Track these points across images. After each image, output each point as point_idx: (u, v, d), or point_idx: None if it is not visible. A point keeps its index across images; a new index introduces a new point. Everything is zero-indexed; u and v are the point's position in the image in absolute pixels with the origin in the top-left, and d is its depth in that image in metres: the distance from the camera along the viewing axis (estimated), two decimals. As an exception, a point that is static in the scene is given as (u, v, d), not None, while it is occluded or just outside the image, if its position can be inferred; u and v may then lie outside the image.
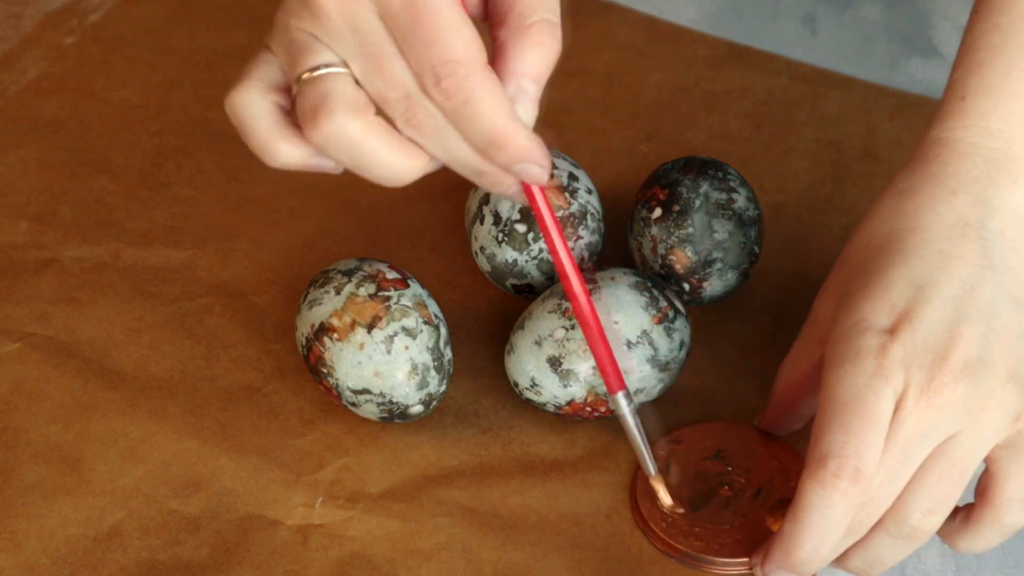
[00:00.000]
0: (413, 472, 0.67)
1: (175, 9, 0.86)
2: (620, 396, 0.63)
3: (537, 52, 0.56)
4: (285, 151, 0.57)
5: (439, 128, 0.56)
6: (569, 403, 0.66)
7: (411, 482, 0.67)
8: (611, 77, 0.82)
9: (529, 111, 0.57)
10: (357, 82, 0.56)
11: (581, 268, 0.70)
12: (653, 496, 0.65)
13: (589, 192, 0.71)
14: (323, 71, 0.56)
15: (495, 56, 0.56)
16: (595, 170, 0.76)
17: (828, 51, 0.84)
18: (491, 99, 0.55)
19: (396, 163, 0.56)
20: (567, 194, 0.70)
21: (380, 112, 0.56)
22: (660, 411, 0.69)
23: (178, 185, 0.78)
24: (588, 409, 0.67)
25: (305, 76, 0.56)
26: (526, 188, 0.59)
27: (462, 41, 0.54)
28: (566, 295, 0.62)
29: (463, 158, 0.57)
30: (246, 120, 0.58)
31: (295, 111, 0.56)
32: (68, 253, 0.75)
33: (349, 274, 0.66)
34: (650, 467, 0.64)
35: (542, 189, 0.59)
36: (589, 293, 0.62)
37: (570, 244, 0.70)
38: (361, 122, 0.55)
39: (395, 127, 0.56)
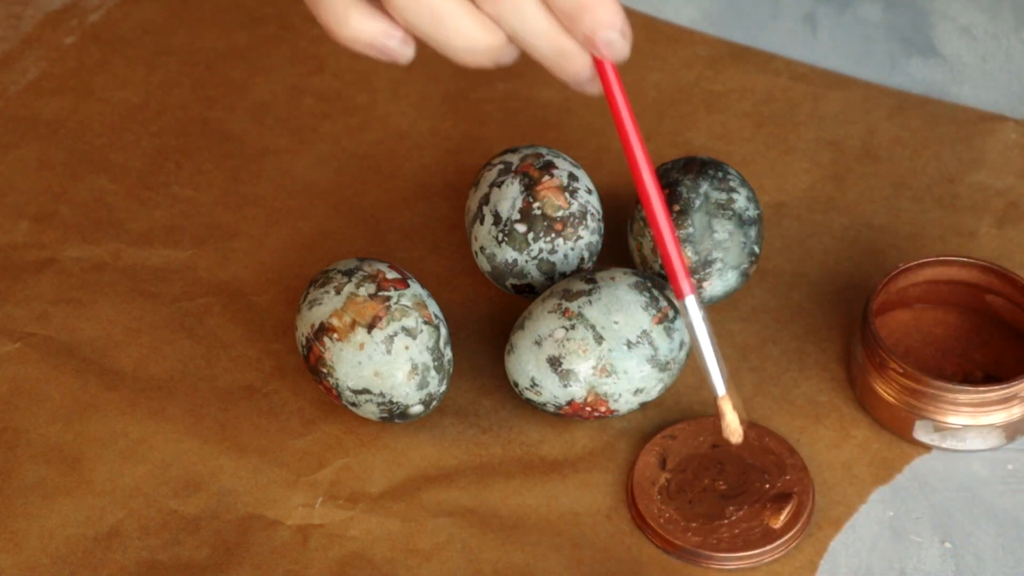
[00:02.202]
0: (413, 472, 0.67)
1: (175, 9, 0.86)
2: (691, 300, 0.61)
3: None
4: (358, 21, 0.57)
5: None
6: (569, 403, 0.66)
7: (411, 482, 0.67)
8: (611, 77, 0.82)
9: None
10: None
11: (582, 265, 0.70)
12: (719, 418, 0.62)
13: (589, 192, 0.71)
14: None
15: None
16: (595, 170, 0.76)
17: (828, 51, 0.83)
18: None
19: (475, 34, 0.56)
20: (567, 194, 0.70)
21: None
22: (660, 411, 0.69)
23: (178, 185, 0.78)
24: (588, 409, 0.67)
25: None
26: (601, 72, 0.58)
27: None
28: (636, 188, 0.61)
29: (541, 33, 0.57)
30: None
31: None
32: (68, 253, 0.75)
33: (349, 274, 0.66)
34: (719, 384, 0.62)
35: (616, 72, 0.58)
36: (661, 189, 0.61)
37: (570, 244, 0.70)
38: None
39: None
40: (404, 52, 0.58)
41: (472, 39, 0.57)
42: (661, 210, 0.61)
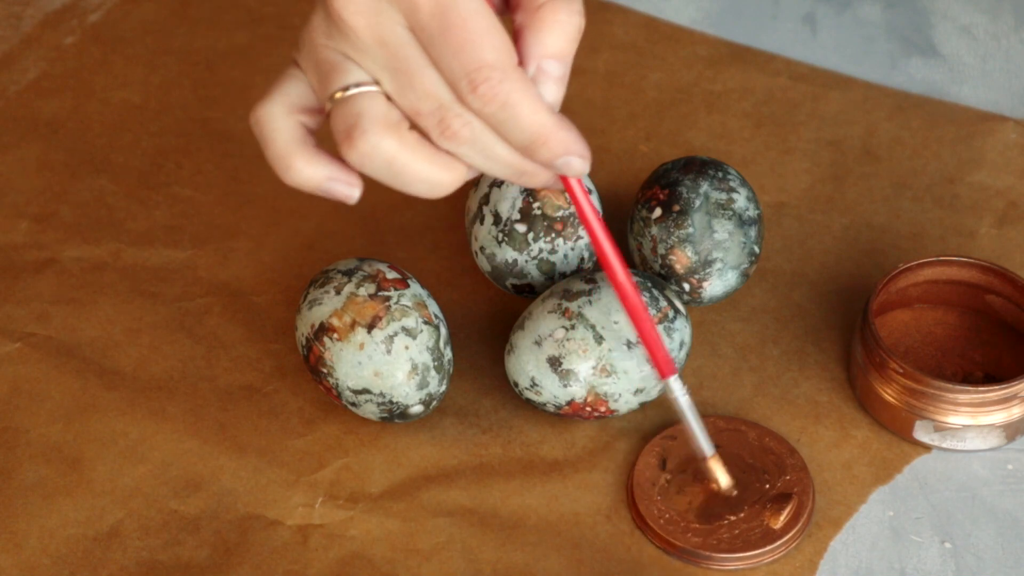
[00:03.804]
0: (413, 472, 0.67)
1: (175, 9, 0.86)
2: (675, 380, 0.63)
3: (553, 31, 0.56)
4: (301, 168, 0.57)
5: (475, 136, 0.56)
6: (569, 403, 0.66)
7: (411, 482, 0.67)
8: (611, 77, 0.82)
9: (552, 91, 0.57)
10: (389, 98, 0.56)
11: (582, 265, 0.70)
12: (707, 478, 0.65)
13: (589, 192, 0.71)
14: (354, 90, 0.56)
15: (515, 43, 0.56)
16: (595, 170, 0.76)
17: (828, 51, 0.84)
18: (528, 99, 0.55)
19: (435, 176, 0.56)
20: (567, 194, 0.70)
21: (414, 126, 0.56)
22: (660, 411, 0.69)
23: (178, 185, 0.78)
24: (588, 409, 0.67)
25: (337, 96, 0.56)
26: (563, 179, 0.59)
27: (493, 45, 0.54)
28: (611, 283, 0.62)
29: (502, 161, 0.57)
30: (267, 134, 0.58)
31: (331, 130, 0.56)
32: (68, 253, 0.75)
33: (349, 274, 0.66)
34: (708, 446, 0.64)
35: (579, 180, 0.59)
36: (633, 279, 0.62)
37: (570, 244, 0.70)
38: (396, 139, 0.55)
39: (430, 140, 0.56)
40: (351, 194, 0.58)
41: (431, 181, 0.56)
42: (637, 300, 0.62)
